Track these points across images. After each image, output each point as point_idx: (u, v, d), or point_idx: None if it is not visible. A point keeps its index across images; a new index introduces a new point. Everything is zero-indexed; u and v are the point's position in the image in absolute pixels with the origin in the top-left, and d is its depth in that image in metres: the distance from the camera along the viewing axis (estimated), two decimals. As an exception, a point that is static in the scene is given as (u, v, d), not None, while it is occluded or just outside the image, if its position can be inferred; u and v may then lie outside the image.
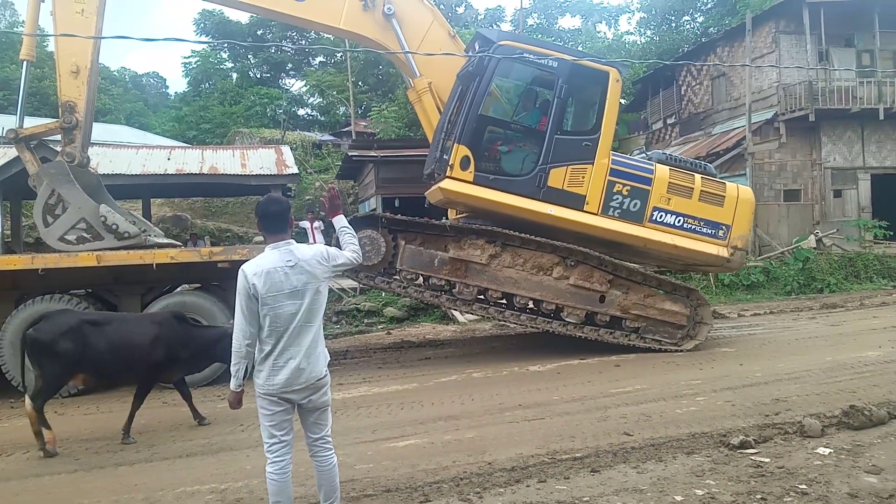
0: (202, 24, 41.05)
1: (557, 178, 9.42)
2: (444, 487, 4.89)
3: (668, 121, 27.49)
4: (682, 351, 9.61)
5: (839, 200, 20.76)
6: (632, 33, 38.74)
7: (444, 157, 9.53)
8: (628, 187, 9.62)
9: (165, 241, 9.89)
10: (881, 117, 19.76)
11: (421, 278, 9.73)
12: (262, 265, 3.89)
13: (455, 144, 9.32)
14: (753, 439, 5.59)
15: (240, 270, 3.90)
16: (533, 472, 5.13)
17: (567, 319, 9.60)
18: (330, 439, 4.09)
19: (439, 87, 10.58)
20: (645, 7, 37.51)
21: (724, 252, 9.89)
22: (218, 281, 9.32)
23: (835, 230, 19.19)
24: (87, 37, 8.78)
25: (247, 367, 3.97)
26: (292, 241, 4.03)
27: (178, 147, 20.60)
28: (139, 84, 56.53)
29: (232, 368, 3.97)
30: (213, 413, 7.25)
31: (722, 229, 9.88)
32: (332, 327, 13.95)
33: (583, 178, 9.48)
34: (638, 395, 7.25)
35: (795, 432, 5.80)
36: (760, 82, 21.44)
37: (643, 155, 10.78)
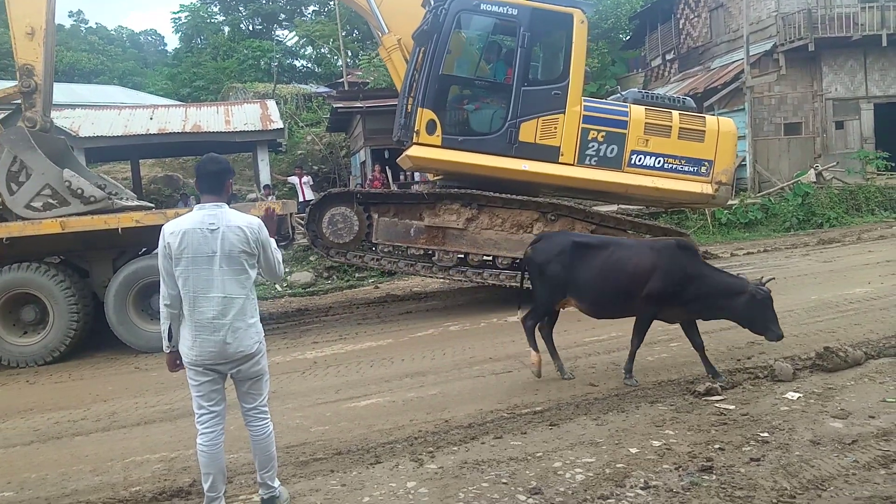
0: (189, -23, 40.12)
1: (528, 131, 9.08)
2: (398, 448, 4.78)
3: (667, 57, 26.72)
4: (666, 294, 9.41)
5: (841, 132, 20.23)
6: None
7: (410, 122, 9.20)
8: (603, 133, 9.27)
9: (136, 203, 9.70)
10: (884, 44, 19.09)
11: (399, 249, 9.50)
12: (182, 224, 3.70)
13: (419, 108, 9.00)
14: (720, 385, 5.44)
15: (162, 228, 3.75)
16: (490, 427, 5.01)
17: None
18: (265, 409, 3.93)
19: (409, 44, 10.15)
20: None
21: (708, 189, 9.60)
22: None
23: (835, 163, 18.72)
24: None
25: (170, 328, 3.83)
26: (224, 204, 3.80)
27: (162, 106, 20.28)
28: (137, 43, 55.74)
29: (161, 328, 3.86)
30: (180, 378, 7.19)
31: (704, 165, 9.55)
32: (323, 283, 13.84)
33: (555, 128, 9.14)
34: (611, 343, 7.10)
35: (766, 377, 5.66)
36: (759, 12, 20.68)
37: (618, 96, 10.40)
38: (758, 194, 18.15)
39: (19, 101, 9.02)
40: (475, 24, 9.50)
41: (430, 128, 8.96)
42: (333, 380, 6.68)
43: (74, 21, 49.78)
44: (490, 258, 9.51)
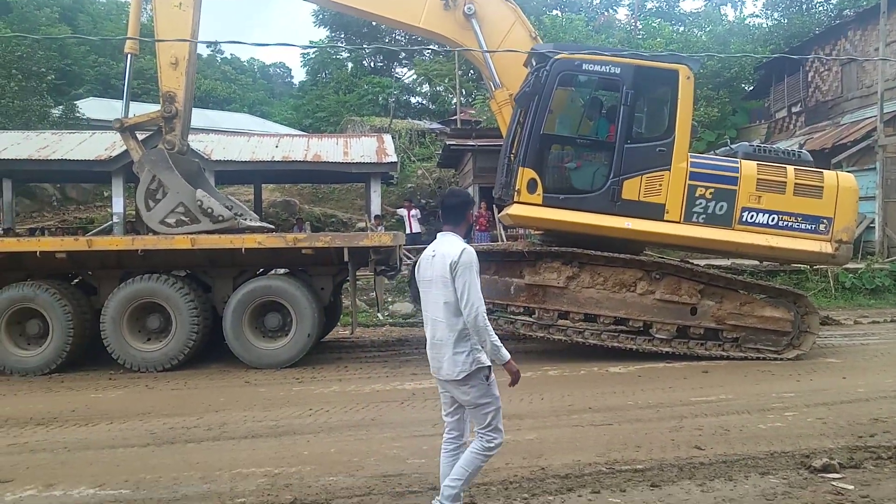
0: (320, 16, 42.33)
1: (632, 189, 8.93)
2: (492, 490, 4.77)
3: (793, 109, 25.66)
4: (781, 360, 8.95)
5: None
6: (758, 16, 36.43)
7: (511, 181, 9.24)
8: (712, 190, 8.98)
9: (258, 224, 10.22)
10: None
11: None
12: (423, 252, 4.16)
13: (520, 167, 9.03)
14: (839, 463, 5.09)
15: None
16: (587, 481, 4.90)
17: (657, 335, 9.14)
18: (481, 434, 4.09)
19: None
20: (773, -12, 35.13)
21: (827, 248, 9.09)
22: (304, 266, 9.53)
23: (978, 231, 17.31)
24: (183, 40, 9.20)
25: None
26: (450, 233, 4.10)
27: (287, 135, 21.38)
28: (266, 74, 59.26)
29: None
30: (287, 396, 7.48)
31: (823, 223, 9.07)
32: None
33: (660, 185, 8.94)
34: (720, 406, 6.79)
35: (890, 458, 5.25)
36: (895, 68, 19.59)
37: (727, 149, 10.06)
38: (886, 259, 17.00)
39: (161, 125, 9.74)
40: (577, 84, 9.49)
41: (531, 186, 8.95)
42: (431, 413, 6.72)
43: (211, 52, 53.41)
44: (591, 316, 9.36)
